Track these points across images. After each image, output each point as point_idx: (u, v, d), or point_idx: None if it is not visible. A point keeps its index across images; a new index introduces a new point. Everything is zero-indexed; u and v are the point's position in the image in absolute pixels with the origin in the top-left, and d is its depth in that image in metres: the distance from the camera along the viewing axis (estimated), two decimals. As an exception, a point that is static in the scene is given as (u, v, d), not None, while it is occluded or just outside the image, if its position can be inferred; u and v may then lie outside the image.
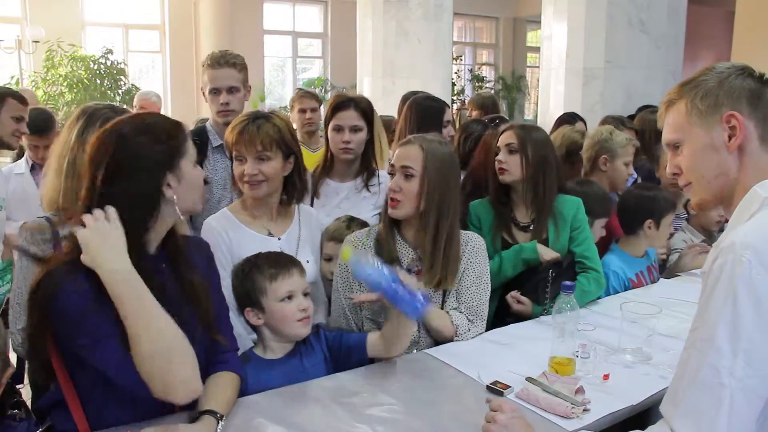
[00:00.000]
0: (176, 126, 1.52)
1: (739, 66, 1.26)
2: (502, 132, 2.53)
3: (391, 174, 2.04)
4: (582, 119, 4.29)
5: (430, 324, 2.03)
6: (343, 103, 2.55)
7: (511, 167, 2.43)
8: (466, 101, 12.38)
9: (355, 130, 2.53)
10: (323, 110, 3.37)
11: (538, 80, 7.18)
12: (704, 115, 1.23)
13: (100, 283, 1.36)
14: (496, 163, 2.46)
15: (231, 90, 2.69)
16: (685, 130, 1.26)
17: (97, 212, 1.40)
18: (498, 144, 2.49)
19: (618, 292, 2.62)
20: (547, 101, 5.64)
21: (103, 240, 1.37)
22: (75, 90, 9.02)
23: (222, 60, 2.68)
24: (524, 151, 2.42)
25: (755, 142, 1.21)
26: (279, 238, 2.15)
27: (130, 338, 1.35)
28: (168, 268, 1.53)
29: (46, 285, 1.38)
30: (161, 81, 11.23)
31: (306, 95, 4.16)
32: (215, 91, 2.68)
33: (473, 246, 2.12)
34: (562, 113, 4.58)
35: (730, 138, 1.21)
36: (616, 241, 2.84)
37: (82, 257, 1.37)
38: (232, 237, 2.06)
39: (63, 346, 1.42)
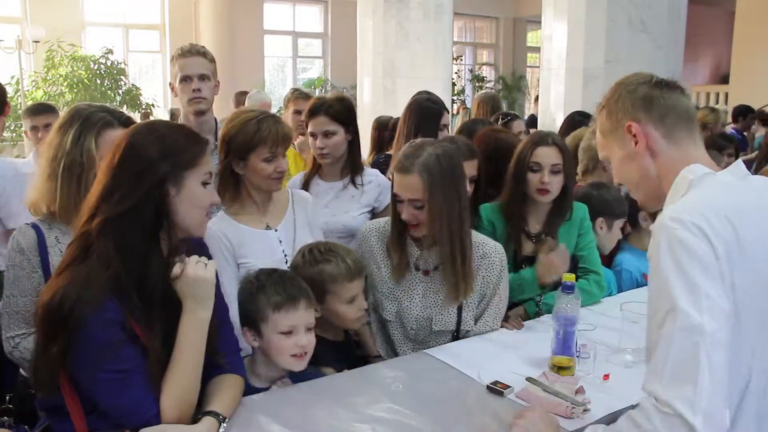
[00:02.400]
0: (191, 138, 1.49)
1: (638, 77, 1.40)
2: (534, 146, 2.37)
3: (400, 201, 2.02)
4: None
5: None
6: (314, 109, 2.54)
7: (554, 188, 2.35)
8: (467, 101, 12.38)
9: (327, 134, 2.51)
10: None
11: (538, 80, 7.17)
12: (612, 132, 1.40)
13: (127, 309, 1.38)
14: (539, 184, 2.34)
15: (202, 77, 2.68)
16: (607, 148, 1.45)
17: (195, 257, 1.49)
18: (535, 160, 2.35)
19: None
20: (548, 101, 5.64)
21: (210, 288, 1.48)
22: (75, 90, 9.03)
23: (193, 49, 2.70)
24: (567, 170, 2.36)
25: (661, 141, 1.34)
26: (276, 230, 2.16)
27: (174, 370, 1.44)
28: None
29: (73, 308, 1.34)
30: (161, 81, 11.23)
31: (302, 96, 4.07)
32: (186, 79, 2.66)
33: (498, 262, 2.13)
34: (572, 112, 4.52)
35: (636, 144, 1.36)
36: (626, 239, 2.87)
37: (184, 290, 1.46)
38: (231, 238, 2.07)
39: (77, 367, 1.39)
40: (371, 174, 2.67)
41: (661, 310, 1.18)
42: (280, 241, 2.14)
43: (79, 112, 1.87)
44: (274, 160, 2.05)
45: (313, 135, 2.54)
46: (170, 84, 2.80)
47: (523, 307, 2.37)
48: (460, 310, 2.09)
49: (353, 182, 2.62)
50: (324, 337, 1.92)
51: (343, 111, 2.56)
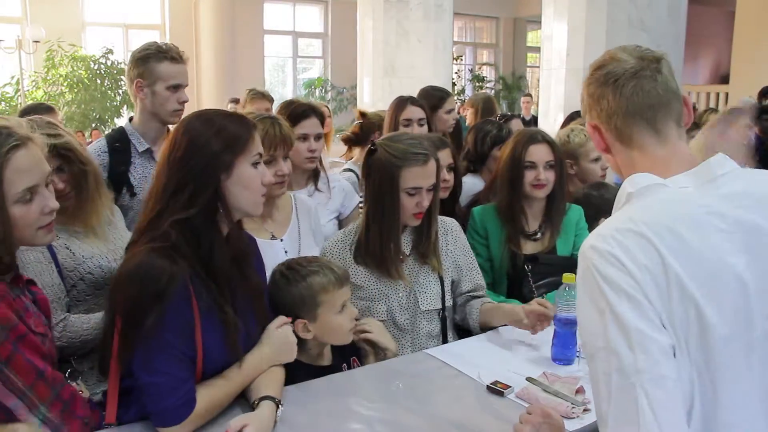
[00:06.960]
0: (243, 124, 1.54)
1: (592, 66, 1.31)
2: (527, 144, 2.39)
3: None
4: None
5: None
6: (305, 112, 2.44)
7: (549, 182, 2.37)
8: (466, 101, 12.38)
9: (318, 137, 2.45)
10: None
11: (538, 80, 7.18)
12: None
13: (195, 289, 1.47)
14: (534, 180, 2.36)
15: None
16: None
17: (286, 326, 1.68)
18: (530, 159, 2.37)
19: None
20: (548, 101, 5.65)
21: (291, 351, 1.67)
22: (75, 90, 9.04)
23: (184, 55, 2.48)
24: (559, 166, 2.39)
25: (615, 143, 1.24)
26: (281, 240, 2.13)
27: (218, 381, 1.53)
28: (233, 265, 1.56)
29: (157, 277, 1.40)
30: (161, 81, 11.22)
31: (257, 96, 3.91)
32: (177, 87, 2.43)
33: (455, 234, 2.21)
34: (572, 112, 4.51)
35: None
36: None
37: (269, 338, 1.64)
38: None
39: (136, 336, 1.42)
40: (335, 179, 2.64)
41: (594, 346, 1.10)
42: (286, 252, 2.10)
43: None
44: (274, 163, 2.00)
45: (305, 138, 2.41)
46: (137, 82, 2.41)
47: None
48: (442, 285, 2.11)
49: (317, 188, 2.55)
50: (315, 365, 1.86)
51: (323, 115, 2.62)
